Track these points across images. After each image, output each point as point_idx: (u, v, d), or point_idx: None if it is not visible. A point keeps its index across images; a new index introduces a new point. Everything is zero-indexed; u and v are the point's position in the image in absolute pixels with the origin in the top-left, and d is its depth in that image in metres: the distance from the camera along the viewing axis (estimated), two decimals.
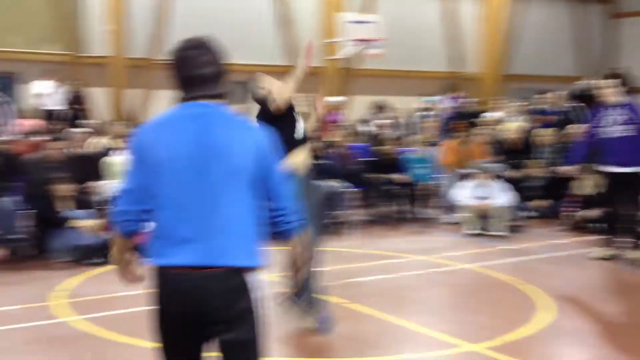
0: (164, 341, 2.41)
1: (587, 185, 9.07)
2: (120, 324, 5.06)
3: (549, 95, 12.65)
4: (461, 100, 13.85)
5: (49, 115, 12.16)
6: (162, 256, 2.35)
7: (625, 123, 7.01)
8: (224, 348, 2.38)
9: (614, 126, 7.05)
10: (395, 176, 9.89)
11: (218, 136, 2.35)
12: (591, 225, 8.85)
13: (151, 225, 2.42)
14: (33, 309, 5.52)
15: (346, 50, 13.99)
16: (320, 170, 9.39)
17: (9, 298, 5.83)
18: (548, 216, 9.99)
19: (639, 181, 7.06)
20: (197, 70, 2.39)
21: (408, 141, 11.38)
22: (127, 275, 2.63)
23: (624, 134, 7.00)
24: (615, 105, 7.08)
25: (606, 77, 7.32)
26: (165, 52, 13.57)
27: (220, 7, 14.75)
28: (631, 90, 7.35)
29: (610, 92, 7.12)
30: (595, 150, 7.28)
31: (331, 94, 14.84)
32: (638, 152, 6.99)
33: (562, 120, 11.46)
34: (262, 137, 2.46)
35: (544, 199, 10.18)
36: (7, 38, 13.11)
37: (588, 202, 9.07)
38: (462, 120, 11.25)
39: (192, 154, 2.32)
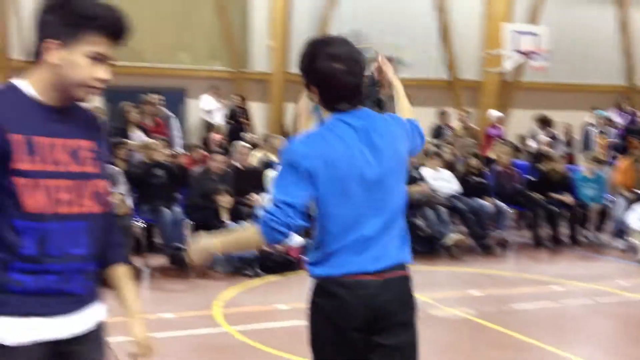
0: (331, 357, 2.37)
1: None
2: (279, 338, 5.10)
3: None
4: (634, 115, 12.90)
5: (213, 129, 12.81)
6: (340, 266, 2.33)
7: None
8: (392, 352, 2.33)
9: None
10: (561, 196, 9.35)
11: (381, 137, 2.36)
12: None
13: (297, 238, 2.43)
14: (194, 317, 5.69)
15: (509, 62, 13.56)
16: (473, 188, 9.20)
17: (172, 305, 5.99)
18: None
19: None
20: (352, 79, 2.37)
21: (576, 159, 10.74)
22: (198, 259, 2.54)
23: None
24: None
25: None
26: None
27: (381, 22, 14.83)
28: None
29: None
30: None
31: (490, 108, 14.44)
32: None
33: None
34: (403, 121, 2.57)
35: None
36: (177, 55, 13.92)
37: None
38: (636, 137, 10.43)
39: (368, 162, 2.32)
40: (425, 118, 13.52)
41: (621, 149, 11.32)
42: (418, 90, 15.05)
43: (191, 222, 7.77)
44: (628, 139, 10.72)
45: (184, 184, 8.14)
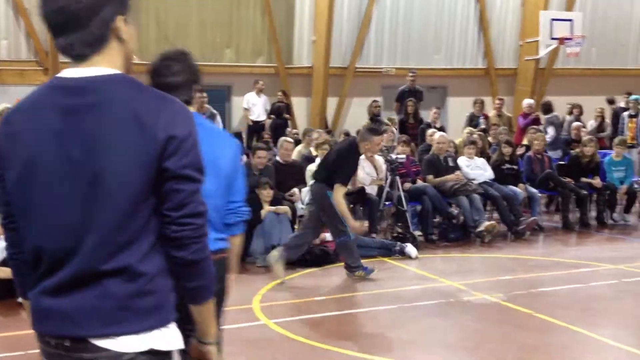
0: None
1: None
2: (315, 328, 5.30)
3: None
4: None
5: (256, 125, 13.30)
6: None
7: None
8: None
9: None
10: (590, 180, 9.70)
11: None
12: None
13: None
14: (236, 311, 5.77)
15: (545, 49, 13.76)
16: (506, 175, 9.57)
17: None
18: None
19: None
20: (169, 78, 2.69)
21: (609, 143, 11.00)
22: None
23: None
24: None
25: None
26: (364, 59, 14.26)
27: (421, 14, 15.12)
28: None
29: None
30: None
31: (528, 95, 14.67)
32: None
33: None
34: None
35: None
36: (223, 52, 14.32)
37: None
38: None
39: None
40: (462, 107, 13.92)
41: None
42: (456, 79, 15.44)
43: None
44: None
45: None
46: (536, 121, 12.12)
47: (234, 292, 6.58)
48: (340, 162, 6.62)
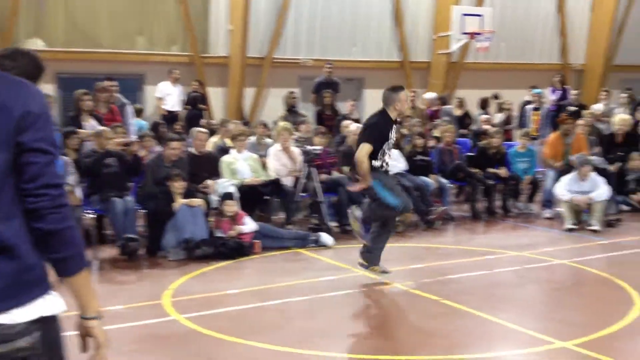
0: None
1: None
2: (228, 322, 5.28)
3: None
4: (567, 93, 13.69)
5: (171, 115, 13.02)
6: None
7: None
8: None
9: None
10: (497, 170, 10.10)
11: None
12: None
13: None
14: (144, 307, 5.70)
15: (456, 44, 14.14)
16: (419, 166, 9.84)
17: (121, 298, 5.96)
18: None
19: None
20: None
21: (514, 135, 11.45)
22: None
23: None
24: None
25: None
26: (282, 50, 14.23)
27: (338, 5, 15.20)
28: None
29: None
30: None
31: (440, 89, 15.07)
32: None
33: None
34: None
35: None
36: (136, 40, 13.91)
37: None
38: (566, 113, 11.20)
39: None
40: (379, 99, 14.06)
41: (553, 124, 12.11)
42: (372, 72, 15.66)
43: (144, 211, 7.87)
44: (559, 115, 11.47)
45: (138, 173, 8.14)
46: (437, 113, 12.57)
47: (142, 288, 6.50)
48: (371, 128, 6.25)
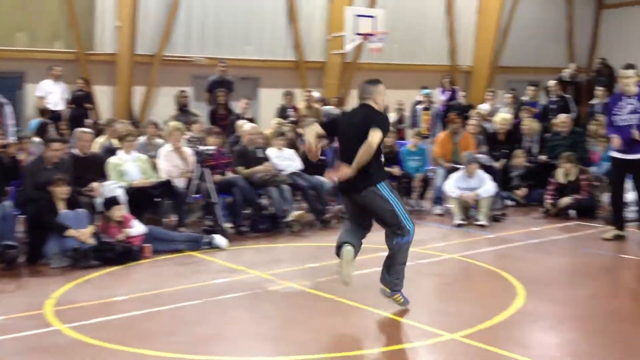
0: None
1: (562, 173, 9.56)
2: (113, 330, 5.10)
3: (529, 88, 13.07)
4: (456, 93, 14.18)
5: (54, 115, 12.38)
6: None
7: (634, 112, 7.57)
8: None
9: (628, 115, 7.61)
10: (390, 169, 10.24)
11: None
12: (570, 211, 9.58)
13: None
14: (25, 317, 5.45)
15: (350, 44, 14.28)
16: (314, 165, 9.84)
17: (1, 308, 5.69)
18: (530, 204, 10.46)
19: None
20: None
21: (406, 134, 11.71)
22: None
23: (631, 123, 7.57)
24: (632, 95, 7.60)
25: (627, 67, 7.76)
26: (173, 48, 13.89)
27: (231, 4, 14.98)
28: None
29: (632, 82, 7.62)
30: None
31: (336, 89, 15.19)
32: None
33: (556, 110, 11.85)
34: None
35: (526, 188, 10.63)
36: (16, 37, 13.24)
37: (564, 189, 9.56)
38: (454, 113, 11.57)
39: None
40: (274, 98, 14.08)
41: (443, 123, 12.51)
42: (267, 71, 15.57)
43: (24, 217, 7.45)
44: (448, 114, 11.85)
45: (16, 176, 7.76)
46: None
47: (22, 297, 6.10)
48: (382, 118, 5.51)
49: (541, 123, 11.73)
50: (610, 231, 8.10)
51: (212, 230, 8.28)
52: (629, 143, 7.61)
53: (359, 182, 5.31)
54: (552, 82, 12.98)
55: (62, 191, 7.30)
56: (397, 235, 5.41)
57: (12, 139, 8.93)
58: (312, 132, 5.58)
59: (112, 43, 13.96)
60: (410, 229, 5.43)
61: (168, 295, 6.09)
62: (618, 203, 8.03)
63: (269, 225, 9.00)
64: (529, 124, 11.39)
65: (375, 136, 5.21)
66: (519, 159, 10.73)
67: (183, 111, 11.85)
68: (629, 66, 7.78)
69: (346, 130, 5.49)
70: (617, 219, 8.06)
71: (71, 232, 7.09)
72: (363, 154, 5.19)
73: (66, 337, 4.97)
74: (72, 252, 7.05)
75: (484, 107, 13.16)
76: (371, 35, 14.05)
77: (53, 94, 12.56)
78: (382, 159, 5.58)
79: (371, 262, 7.20)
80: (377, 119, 5.39)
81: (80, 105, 12.59)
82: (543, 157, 10.81)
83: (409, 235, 5.43)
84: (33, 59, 13.24)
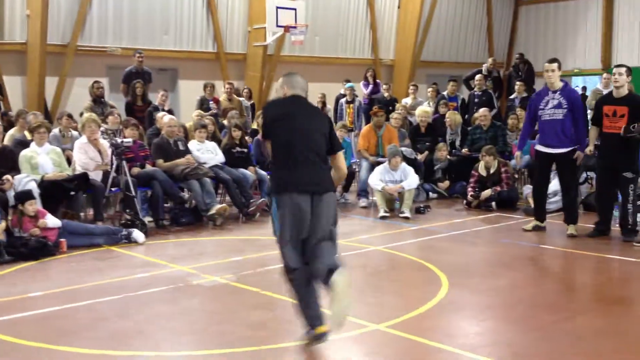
0: None
1: (483, 166, 9.83)
2: (29, 327, 4.96)
3: (450, 83, 13.38)
4: (379, 87, 14.32)
5: None
6: None
7: (558, 107, 7.71)
8: None
9: (552, 109, 7.73)
10: None
11: None
12: (490, 203, 9.79)
13: None
14: None
15: (271, 37, 14.15)
16: (237, 158, 9.71)
17: None
18: (453, 196, 10.69)
19: (567, 161, 7.80)
20: None
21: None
22: None
23: (556, 117, 7.71)
24: (556, 90, 7.73)
25: (552, 61, 7.85)
26: (87, 37, 13.30)
27: None
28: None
29: (556, 75, 7.72)
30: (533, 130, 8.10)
31: (258, 81, 15.01)
32: (564, 134, 7.72)
33: (480, 103, 12.17)
34: None
35: (449, 180, 10.87)
36: None
37: (485, 181, 9.81)
38: (377, 106, 11.66)
39: None
40: (193, 90, 13.80)
41: (367, 116, 12.60)
42: (186, 62, 15.23)
43: None
44: (371, 108, 11.93)
45: None
46: None
47: None
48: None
49: (461, 116, 11.99)
50: (531, 222, 8.33)
51: (132, 223, 8.03)
52: (555, 136, 7.76)
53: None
54: (478, 77, 13.28)
55: None
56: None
57: None
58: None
59: (23, 32, 13.31)
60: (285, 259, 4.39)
61: (86, 290, 5.87)
62: (540, 195, 8.23)
63: (191, 218, 8.85)
64: (452, 117, 11.62)
65: (342, 160, 4.60)
66: (441, 152, 10.93)
67: (98, 102, 11.44)
68: (554, 60, 7.89)
69: (297, 123, 4.36)
70: (538, 211, 8.28)
71: None
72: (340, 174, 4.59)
73: None
74: None
75: (407, 101, 13.34)
76: (293, 27, 13.96)
77: None
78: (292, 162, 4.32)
79: None
80: (332, 126, 4.61)
81: None
82: (465, 150, 11.05)
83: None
84: None
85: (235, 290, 5.89)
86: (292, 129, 4.31)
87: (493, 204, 9.85)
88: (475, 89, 13.14)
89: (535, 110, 7.94)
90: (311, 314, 4.46)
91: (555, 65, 7.77)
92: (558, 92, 7.77)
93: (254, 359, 4.39)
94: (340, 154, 4.58)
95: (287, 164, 4.30)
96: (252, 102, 13.61)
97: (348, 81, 13.89)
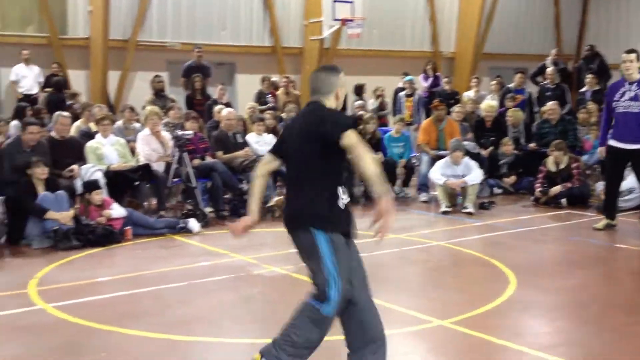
0: None
1: (552, 161, 9.52)
2: (97, 310, 5.06)
3: (517, 75, 13.01)
4: (439, 80, 14.09)
5: (29, 99, 12.15)
6: None
7: (635, 99, 7.36)
8: None
9: (628, 101, 7.40)
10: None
11: None
12: (560, 200, 9.41)
13: None
14: (9, 297, 5.46)
15: (328, 30, 14.11)
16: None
17: None
18: (519, 192, 10.39)
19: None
20: None
21: (388, 121, 11.58)
22: None
23: (631, 110, 7.36)
24: (634, 82, 7.39)
25: (629, 51, 7.50)
26: (147, 33, 13.55)
27: None
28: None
29: (635, 67, 7.39)
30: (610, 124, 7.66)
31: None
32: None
33: (551, 97, 11.81)
34: None
35: (515, 176, 10.57)
36: None
37: (555, 177, 9.48)
38: (438, 100, 11.47)
39: None
40: (251, 84, 13.87)
41: (426, 110, 12.39)
42: (243, 56, 15.33)
43: (3, 197, 7.41)
44: (432, 101, 11.73)
45: None
46: None
47: (4, 277, 5.97)
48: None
49: (528, 110, 11.64)
50: (602, 220, 7.94)
51: (193, 214, 8.14)
52: (629, 131, 7.39)
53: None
54: (550, 69, 12.90)
55: (40, 173, 7.29)
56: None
57: None
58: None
59: (85, 28, 13.66)
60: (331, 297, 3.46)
61: (150, 277, 5.97)
62: (613, 193, 7.84)
63: None
64: (513, 114, 11.31)
65: (369, 161, 3.32)
66: (507, 147, 10.66)
67: (159, 96, 11.65)
68: (632, 50, 7.51)
69: (288, 141, 3.69)
70: (608, 209, 7.91)
71: (51, 215, 7.05)
72: (368, 166, 3.30)
73: (50, 316, 4.95)
74: (52, 234, 7.01)
75: (469, 94, 13.07)
76: (350, 20, 13.87)
77: (26, 77, 12.45)
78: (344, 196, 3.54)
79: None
80: (329, 117, 3.43)
81: (60, 90, 12.33)
82: (533, 145, 10.71)
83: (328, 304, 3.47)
84: (5, 44, 12.90)
85: (295, 281, 5.85)
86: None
87: (563, 200, 9.43)
88: (547, 82, 12.72)
89: (612, 102, 7.60)
90: None
91: (633, 55, 7.40)
92: (635, 84, 7.39)
93: (316, 350, 4.32)
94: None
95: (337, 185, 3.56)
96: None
97: (407, 74, 13.70)
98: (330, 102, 3.61)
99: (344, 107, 12.98)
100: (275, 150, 3.79)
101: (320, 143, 3.35)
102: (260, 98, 12.60)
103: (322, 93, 3.61)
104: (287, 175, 3.73)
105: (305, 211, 3.47)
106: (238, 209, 8.84)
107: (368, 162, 3.29)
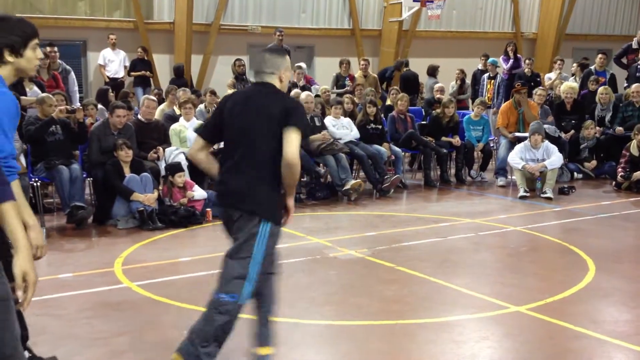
0: None
1: (636, 145, 9.15)
2: (180, 289, 5.17)
3: (599, 56, 12.51)
4: (520, 62, 13.72)
5: (115, 82, 12.61)
6: None
7: None
8: None
9: None
10: (450, 139, 10.06)
11: None
12: None
13: None
14: (95, 275, 5.59)
15: (407, 12, 13.98)
16: (371, 134, 9.72)
17: (71, 265, 5.90)
18: (601, 177, 10.06)
19: None
20: None
21: (467, 104, 11.41)
22: None
23: None
24: None
25: None
26: (229, 17, 13.79)
27: None
28: None
29: None
30: None
31: (392, 57, 14.90)
32: None
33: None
34: None
35: (596, 160, 10.23)
36: (77, 5, 13.45)
37: (638, 162, 9.14)
38: (518, 82, 11.20)
39: None
40: (329, 67, 13.95)
41: (507, 93, 12.13)
42: (322, 39, 15.42)
43: (92, 179, 7.74)
44: (512, 84, 11.47)
45: (83, 141, 7.95)
46: None
47: (92, 256, 6.23)
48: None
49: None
50: None
51: None
52: None
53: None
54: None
55: (124, 155, 7.49)
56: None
57: (77, 104, 9.21)
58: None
59: (170, 12, 14.02)
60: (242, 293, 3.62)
61: None
62: None
63: (326, 193, 8.97)
64: (606, 91, 10.90)
65: (294, 143, 3.32)
66: (589, 130, 10.34)
67: (240, 79, 11.85)
68: None
69: (236, 120, 3.53)
70: None
71: (137, 196, 7.28)
72: (289, 175, 3.35)
73: (136, 294, 5.11)
74: (137, 215, 7.25)
75: (550, 76, 12.70)
76: (430, 1, 13.70)
77: (113, 62, 12.88)
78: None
79: (430, 233, 7.10)
80: (294, 111, 3.41)
81: (140, 72, 12.73)
82: (620, 129, 10.33)
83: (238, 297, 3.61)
84: (94, 28, 13.42)
85: (371, 265, 5.92)
86: None
87: None
88: (638, 63, 12.20)
89: None
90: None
91: None
92: None
93: (391, 333, 4.40)
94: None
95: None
96: None
97: (487, 56, 13.42)
98: (276, 84, 3.56)
99: (418, 87, 12.87)
100: (208, 134, 3.68)
101: (281, 127, 3.37)
102: (339, 81, 12.63)
103: (266, 73, 3.56)
104: (227, 153, 3.56)
105: (258, 195, 3.45)
106: (315, 192, 8.97)
107: (288, 170, 3.36)
